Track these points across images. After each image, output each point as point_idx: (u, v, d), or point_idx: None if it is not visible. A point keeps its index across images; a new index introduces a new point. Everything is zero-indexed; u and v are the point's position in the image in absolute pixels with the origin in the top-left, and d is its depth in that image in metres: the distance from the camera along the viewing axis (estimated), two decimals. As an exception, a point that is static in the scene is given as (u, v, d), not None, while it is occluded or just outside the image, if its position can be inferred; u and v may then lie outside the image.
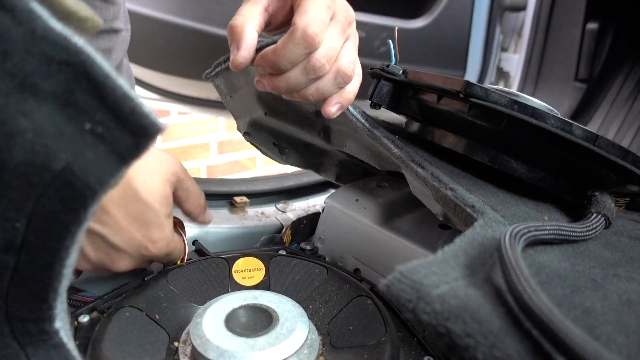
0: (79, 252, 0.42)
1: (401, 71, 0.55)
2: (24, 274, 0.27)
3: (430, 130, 0.56)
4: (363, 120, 0.53)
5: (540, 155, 0.50)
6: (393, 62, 0.57)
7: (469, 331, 0.27)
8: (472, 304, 0.28)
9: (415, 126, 0.59)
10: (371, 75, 0.59)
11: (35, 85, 0.25)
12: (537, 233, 0.37)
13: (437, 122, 0.56)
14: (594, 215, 0.45)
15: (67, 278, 0.29)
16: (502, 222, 0.41)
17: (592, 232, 0.43)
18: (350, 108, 0.53)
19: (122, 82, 0.26)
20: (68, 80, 0.25)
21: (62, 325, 0.30)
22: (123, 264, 0.47)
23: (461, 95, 0.47)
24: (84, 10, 0.30)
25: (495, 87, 0.50)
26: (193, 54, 1.41)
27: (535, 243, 0.38)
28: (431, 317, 0.28)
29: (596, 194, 0.48)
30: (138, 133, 0.26)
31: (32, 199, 0.26)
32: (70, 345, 0.30)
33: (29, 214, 0.26)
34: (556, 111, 0.50)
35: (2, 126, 0.25)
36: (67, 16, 0.28)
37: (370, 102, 0.58)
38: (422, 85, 0.53)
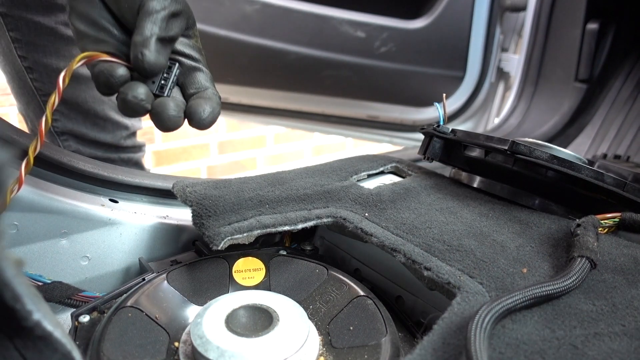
0: None
1: (450, 129, 0.65)
2: None
3: (477, 179, 0.65)
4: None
5: (573, 197, 0.58)
6: (442, 122, 0.66)
7: None
8: None
9: (463, 176, 0.68)
10: (423, 134, 0.69)
11: None
12: (512, 304, 0.38)
13: (484, 173, 0.65)
14: (578, 261, 0.44)
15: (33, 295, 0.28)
16: (481, 291, 0.42)
17: (577, 281, 0.42)
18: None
19: None
20: None
21: (41, 315, 0.28)
22: None
23: (508, 153, 0.56)
24: None
25: (530, 140, 0.63)
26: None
27: (513, 311, 0.39)
28: None
29: (578, 232, 0.47)
30: None
31: None
32: (58, 333, 0.29)
33: None
34: (584, 159, 0.61)
35: None
36: None
37: (423, 156, 0.68)
38: (471, 143, 0.62)
